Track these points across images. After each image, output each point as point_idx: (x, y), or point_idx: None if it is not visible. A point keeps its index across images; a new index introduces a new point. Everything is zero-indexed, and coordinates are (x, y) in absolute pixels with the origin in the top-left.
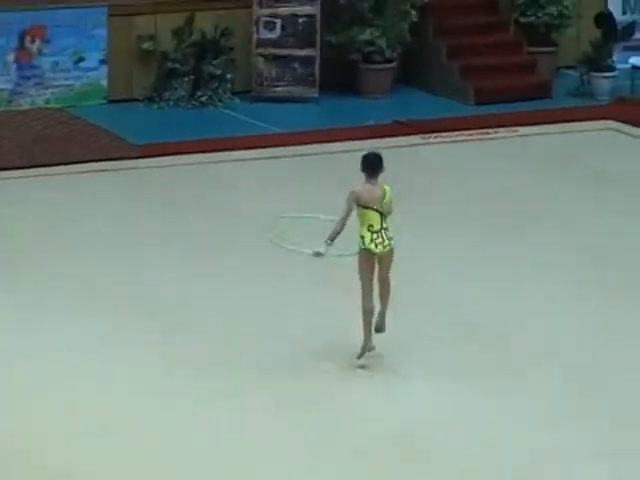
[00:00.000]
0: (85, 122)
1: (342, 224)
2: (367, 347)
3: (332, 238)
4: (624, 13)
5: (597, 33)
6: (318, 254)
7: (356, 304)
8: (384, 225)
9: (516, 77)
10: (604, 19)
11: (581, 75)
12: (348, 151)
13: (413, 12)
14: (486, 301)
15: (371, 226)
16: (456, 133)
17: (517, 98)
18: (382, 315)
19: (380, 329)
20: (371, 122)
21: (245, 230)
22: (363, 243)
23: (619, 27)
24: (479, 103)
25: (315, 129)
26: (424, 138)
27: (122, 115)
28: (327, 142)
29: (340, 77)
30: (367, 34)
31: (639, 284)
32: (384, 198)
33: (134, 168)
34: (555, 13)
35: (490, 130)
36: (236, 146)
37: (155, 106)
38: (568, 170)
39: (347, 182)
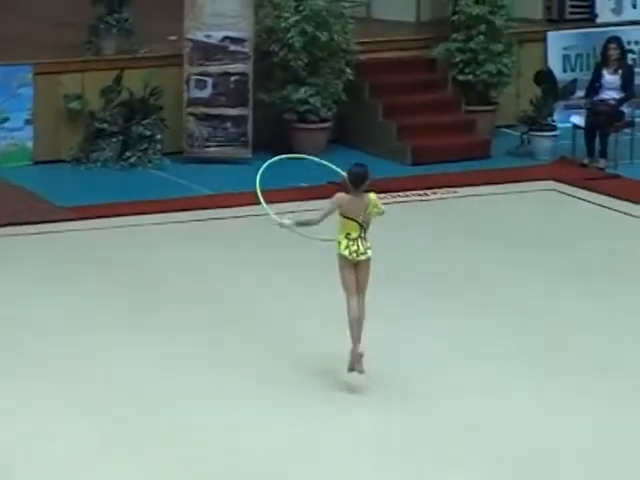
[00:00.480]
0: (9, 184)
1: (319, 219)
2: (354, 355)
3: (301, 223)
4: (564, 71)
5: (537, 91)
6: (282, 225)
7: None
8: (362, 235)
9: (454, 136)
10: (544, 77)
11: (521, 134)
12: (282, 213)
13: (348, 70)
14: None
15: (348, 234)
16: (392, 194)
17: (455, 158)
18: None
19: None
20: (303, 184)
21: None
22: (338, 248)
23: (560, 85)
24: (416, 163)
25: (247, 190)
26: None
27: (48, 176)
28: (258, 204)
29: (274, 137)
30: (301, 93)
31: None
32: (367, 209)
33: (59, 231)
34: (494, 71)
35: (428, 191)
36: (166, 208)
37: (82, 167)
38: (507, 232)
39: (279, 245)
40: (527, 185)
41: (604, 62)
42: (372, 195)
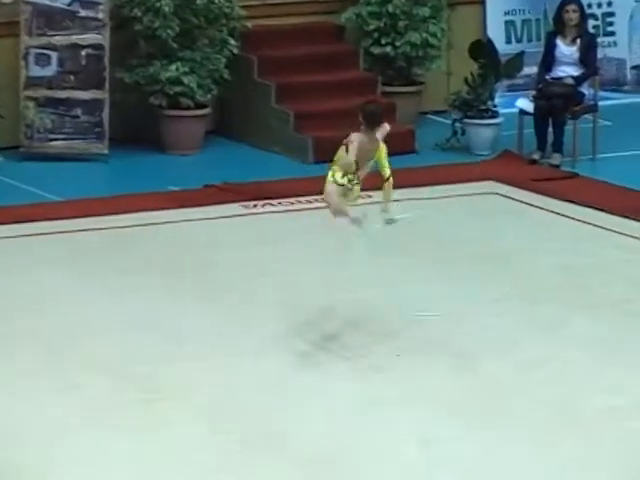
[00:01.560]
0: None
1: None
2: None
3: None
4: (508, 42)
5: (474, 68)
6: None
7: None
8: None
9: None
10: (482, 49)
11: (453, 123)
12: (145, 225)
13: (232, 42)
14: None
15: (346, 172)
16: (290, 200)
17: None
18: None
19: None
20: (173, 188)
21: None
22: (332, 177)
23: (502, 60)
24: (320, 160)
25: (102, 197)
26: (247, 207)
27: None
28: (117, 214)
29: (137, 128)
30: (172, 70)
31: None
32: (375, 155)
33: None
34: (418, 42)
35: None
36: None
37: None
38: (435, 247)
39: (139, 269)
40: (461, 188)
41: (559, 29)
42: (383, 146)
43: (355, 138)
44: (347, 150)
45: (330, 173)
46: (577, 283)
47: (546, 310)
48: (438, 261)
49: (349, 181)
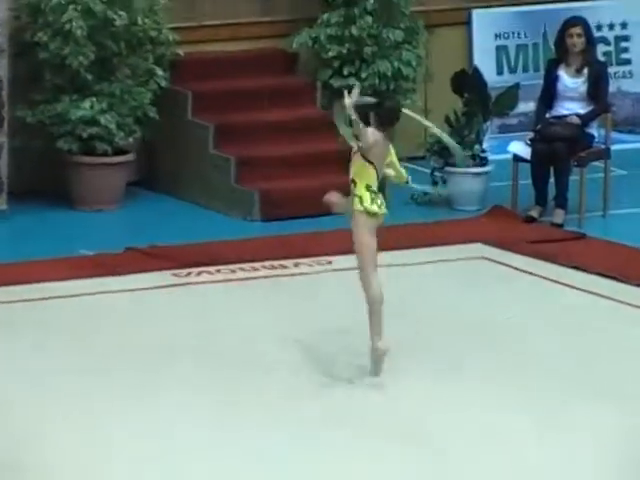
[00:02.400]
0: None
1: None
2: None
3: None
4: (499, 72)
5: (457, 104)
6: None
7: None
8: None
9: (327, 176)
10: (468, 81)
11: (432, 171)
12: (52, 298)
13: (160, 72)
14: None
15: (369, 185)
16: (231, 267)
17: (327, 211)
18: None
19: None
20: (86, 252)
21: None
22: (361, 203)
23: (492, 94)
24: (268, 218)
25: (7, 262)
26: (178, 275)
27: None
28: (17, 283)
29: (42, 178)
30: (85, 107)
31: None
32: (387, 157)
33: None
34: (389, 72)
35: (287, 262)
36: None
37: None
38: (409, 323)
39: (44, 350)
40: (441, 251)
41: (561, 57)
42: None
43: (372, 134)
44: (365, 157)
45: (357, 200)
46: (582, 366)
47: (543, 398)
48: (414, 335)
49: (379, 206)
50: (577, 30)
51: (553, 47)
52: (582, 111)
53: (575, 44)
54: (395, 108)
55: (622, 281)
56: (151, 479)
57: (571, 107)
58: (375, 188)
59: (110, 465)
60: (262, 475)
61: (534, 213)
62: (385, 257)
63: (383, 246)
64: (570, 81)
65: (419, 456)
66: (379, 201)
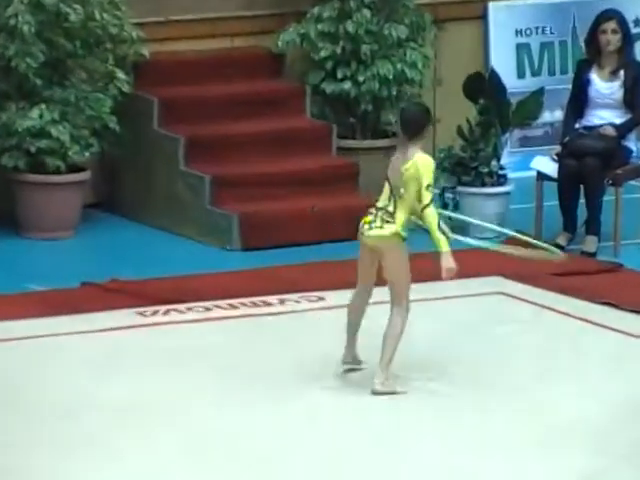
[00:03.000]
0: None
1: None
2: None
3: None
4: (521, 75)
5: (471, 112)
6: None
7: None
8: (389, 207)
9: (316, 198)
10: (484, 86)
11: (442, 192)
12: None
13: (122, 76)
14: None
15: (377, 201)
16: (206, 305)
17: (320, 237)
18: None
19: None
20: (35, 287)
21: None
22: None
23: (512, 101)
24: (249, 247)
25: None
26: (143, 314)
27: None
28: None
29: None
30: (34, 117)
31: None
32: (403, 173)
33: None
34: (391, 75)
35: (271, 298)
36: None
37: None
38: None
39: None
40: (451, 286)
41: (593, 58)
42: (420, 158)
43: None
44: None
45: (398, 228)
46: (620, 427)
47: (575, 464)
48: (419, 391)
49: (367, 227)
50: (612, 25)
51: (584, 45)
52: (618, 120)
53: (609, 42)
54: (411, 111)
55: None
56: None
57: (605, 116)
58: (380, 204)
59: None
60: None
61: (562, 241)
62: (382, 293)
63: (379, 279)
64: (604, 86)
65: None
66: (370, 220)
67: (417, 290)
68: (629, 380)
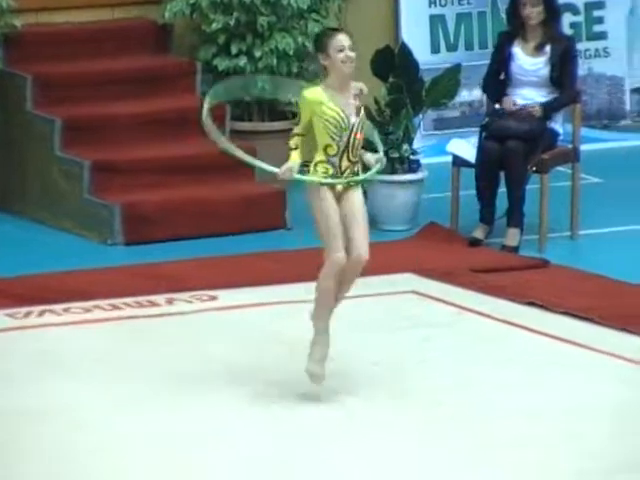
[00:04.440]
0: None
1: None
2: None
3: None
4: (435, 50)
5: (380, 91)
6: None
7: None
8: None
9: (208, 187)
10: (394, 62)
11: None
12: None
13: None
14: None
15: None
16: (86, 305)
17: (212, 229)
18: None
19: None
20: None
21: None
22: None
23: (426, 78)
24: (134, 241)
25: None
26: (14, 316)
27: None
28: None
29: None
30: None
31: None
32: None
33: None
34: (291, 50)
35: (157, 297)
36: None
37: None
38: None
39: None
40: (366, 283)
41: (516, 31)
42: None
43: None
44: None
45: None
46: (542, 436)
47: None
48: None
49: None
50: None
51: (505, 17)
52: (544, 99)
53: (529, 16)
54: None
55: (596, 322)
56: None
57: (529, 95)
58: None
59: None
60: None
61: (479, 234)
62: (265, 294)
63: (280, 277)
64: (528, 61)
65: None
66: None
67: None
68: (555, 388)
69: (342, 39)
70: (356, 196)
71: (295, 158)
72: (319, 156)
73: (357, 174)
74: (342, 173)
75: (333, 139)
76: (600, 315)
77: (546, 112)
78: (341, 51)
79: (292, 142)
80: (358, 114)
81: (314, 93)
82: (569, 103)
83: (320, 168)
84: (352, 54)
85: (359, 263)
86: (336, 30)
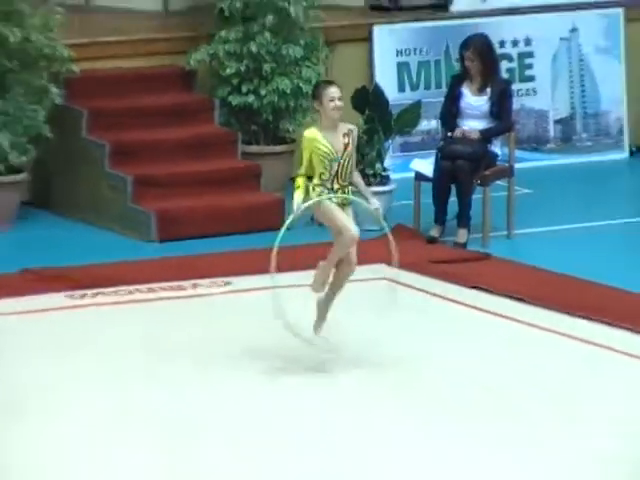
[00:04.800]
0: None
1: None
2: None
3: None
4: (401, 89)
5: (358, 121)
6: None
7: None
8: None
9: (225, 195)
10: (369, 98)
11: None
12: None
13: (55, 90)
14: None
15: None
16: (129, 288)
17: (229, 230)
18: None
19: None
20: None
21: None
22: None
23: (393, 111)
24: (166, 239)
25: None
26: (73, 297)
27: None
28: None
29: None
30: None
31: None
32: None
33: None
34: (288, 90)
35: (184, 283)
36: None
37: None
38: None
39: None
40: None
41: (464, 75)
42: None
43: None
44: None
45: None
46: (486, 393)
47: (444, 428)
48: (312, 369)
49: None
50: (468, 54)
51: (455, 64)
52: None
53: (469, 67)
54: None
55: (528, 303)
56: None
57: (474, 125)
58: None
59: None
60: None
61: (434, 233)
62: (285, 278)
63: (283, 267)
64: (473, 99)
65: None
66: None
67: (300, 277)
68: (484, 359)
69: (334, 91)
70: (348, 211)
71: (300, 196)
72: (315, 180)
73: (348, 194)
74: (334, 193)
75: (325, 168)
76: (530, 296)
77: (483, 136)
78: (332, 101)
79: (297, 182)
80: (346, 149)
81: (311, 133)
82: (505, 132)
83: (317, 189)
84: (340, 103)
85: (353, 239)
86: (329, 83)
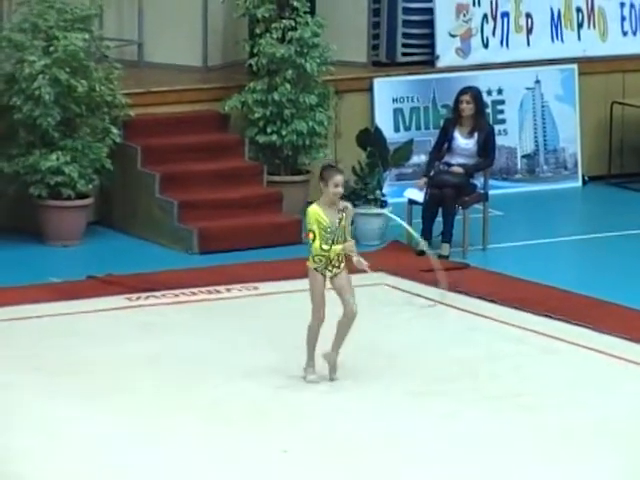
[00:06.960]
0: None
1: None
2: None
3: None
4: (397, 130)
5: (362, 156)
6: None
7: None
8: None
9: (254, 216)
10: (370, 137)
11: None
12: (23, 318)
13: (115, 130)
14: None
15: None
16: (175, 292)
17: (256, 244)
18: None
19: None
20: (54, 279)
21: None
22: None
23: (390, 148)
24: (205, 251)
25: None
26: (130, 299)
27: None
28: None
29: (17, 218)
30: (53, 160)
31: None
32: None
33: None
34: (305, 130)
35: (220, 288)
36: None
37: None
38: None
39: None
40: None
41: (456, 120)
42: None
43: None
44: None
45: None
46: (468, 376)
47: (437, 405)
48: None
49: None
50: (466, 98)
51: (440, 110)
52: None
53: (464, 110)
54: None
55: (499, 303)
56: None
57: (462, 162)
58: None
59: None
60: None
61: (423, 247)
62: (291, 285)
63: (299, 274)
64: (463, 142)
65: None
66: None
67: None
68: (475, 345)
69: (339, 179)
70: (343, 275)
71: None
72: (315, 251)
73: (341, 262)
74: (330, 262)
75: (325, 240)
76: (501, 299)
77: (467, 171)
78: (336, 186)
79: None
80: (340, 223)
81: (314, 209)
82: (485, 168)
83: (316, 259)
84: (341, 190)
85: (352, 315)
86: (337, 171)
